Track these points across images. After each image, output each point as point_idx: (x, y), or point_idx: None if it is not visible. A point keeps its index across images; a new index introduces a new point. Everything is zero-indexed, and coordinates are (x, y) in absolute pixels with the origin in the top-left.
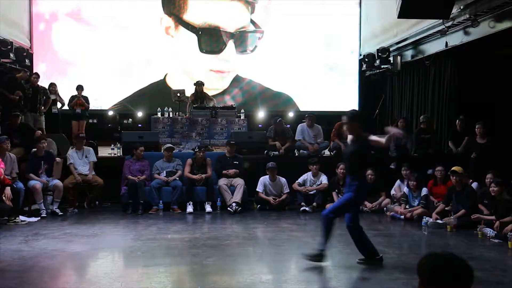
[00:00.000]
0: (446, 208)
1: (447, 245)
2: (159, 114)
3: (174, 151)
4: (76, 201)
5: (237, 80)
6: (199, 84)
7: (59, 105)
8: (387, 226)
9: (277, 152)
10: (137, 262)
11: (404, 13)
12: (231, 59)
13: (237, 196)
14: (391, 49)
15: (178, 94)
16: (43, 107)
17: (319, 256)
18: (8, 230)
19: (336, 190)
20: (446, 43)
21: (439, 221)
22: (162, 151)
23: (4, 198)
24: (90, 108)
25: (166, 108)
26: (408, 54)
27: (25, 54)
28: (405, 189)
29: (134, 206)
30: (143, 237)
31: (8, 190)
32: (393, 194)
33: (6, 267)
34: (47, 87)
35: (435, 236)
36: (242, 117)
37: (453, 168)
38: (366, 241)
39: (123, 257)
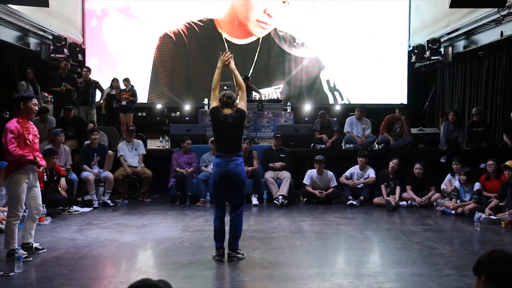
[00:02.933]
0: (500, 204)
1: (501, 242)
2: (206, 107)
3: None
4: (126, 192)
5: (283, 73)
6: (244, 78)
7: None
8: (437, 221)
9: (323, 145)
10: (185, 253)
11: (456, 2)
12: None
13: (284, 189)
14: (442, 40)
15: (225, 87)
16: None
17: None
18: (63, 219)
19: (385, 183)
20: (502, 32)
21: (493, 217)
22: (209, 144)
23: (59, 188)
24: (138, 101)
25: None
26: (460, 44)
27: (78, 49)
28: (456, 184)
29: (182, 198)
30: (191, 228)
31: (63, 181)
32: (443, 189)
33: (62, 254)
34: (104, 81)
35: (488, 232)
36: (288, 110)
37: (506, 163)
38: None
39: (171, 248)
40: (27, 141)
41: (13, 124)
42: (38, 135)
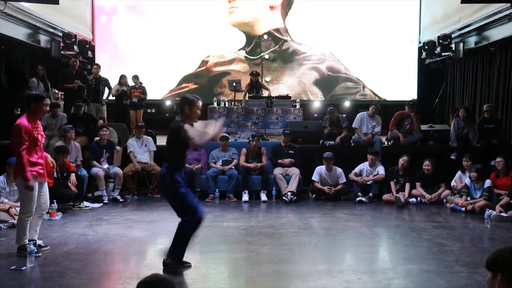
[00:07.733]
0: (511, 201)
1: None
2: (215, 104)
3: (229, 140)
4: (136, 188)
5: (292, 69)
6: (254, 75)
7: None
8: (447, 218)
9: (332, 142)
10: (194, 249)
11: None
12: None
13: (292, 186)
14: (453, 36)
15: (234, 84)
16: (104, 97)
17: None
18: (73, 215)
19: (395, 180)
20: None
21: (504, 214)
22: (217, 141)
23: (69, 184)
24: (148, 98)
25: (222, 98)
26: (472, 40)
27: (87, 46)
28: (467, 181)
29: None
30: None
31: (73, 176)
32: (453, 186)
33: (73, 249)
34: (114, 78)
35: (499, 230)
36: (297, 107)
37: None
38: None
39: None
40: (37, 141)
41: (24, 124)
42: (44, 135)
